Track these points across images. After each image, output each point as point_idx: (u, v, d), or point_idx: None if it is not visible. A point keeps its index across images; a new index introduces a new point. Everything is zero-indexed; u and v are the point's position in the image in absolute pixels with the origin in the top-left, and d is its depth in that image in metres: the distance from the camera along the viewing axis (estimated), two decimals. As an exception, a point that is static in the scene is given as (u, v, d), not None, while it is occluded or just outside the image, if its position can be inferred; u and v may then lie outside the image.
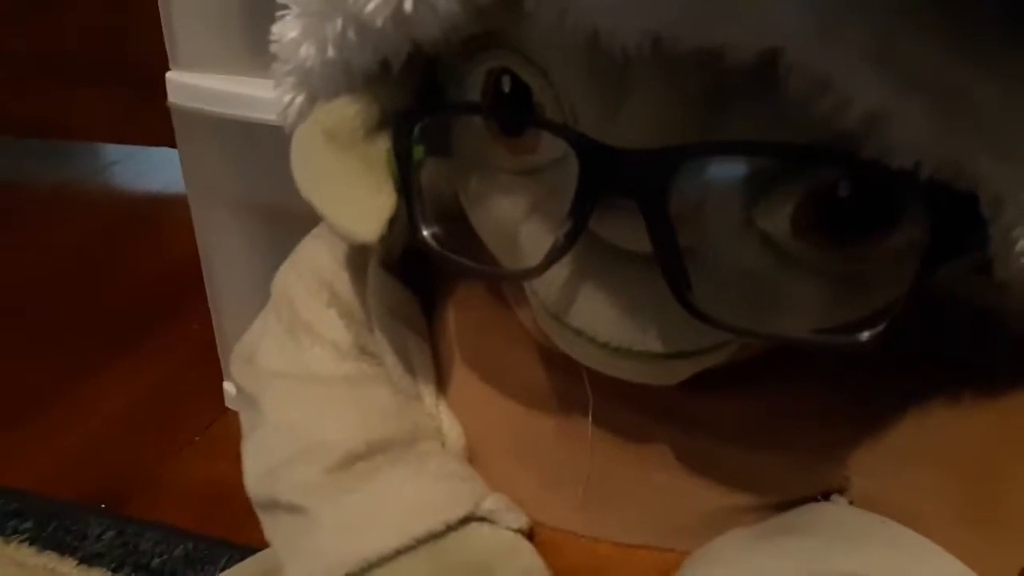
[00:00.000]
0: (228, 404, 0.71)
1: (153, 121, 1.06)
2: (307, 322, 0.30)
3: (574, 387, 0.26)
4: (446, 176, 0.26)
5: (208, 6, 0.56)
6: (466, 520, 0.26)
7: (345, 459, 0.27)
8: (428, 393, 0.30)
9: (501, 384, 0.28)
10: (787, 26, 0.15)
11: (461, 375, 0.30)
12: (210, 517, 0.58)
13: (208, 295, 0.66)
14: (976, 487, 0.24)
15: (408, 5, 0.19)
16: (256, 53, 0.57)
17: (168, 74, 0.56)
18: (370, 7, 0.20)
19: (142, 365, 0.78)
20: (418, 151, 0.23)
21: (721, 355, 0.22)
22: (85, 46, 1.10)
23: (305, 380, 0.30)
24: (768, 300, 0.20)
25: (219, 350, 0.68)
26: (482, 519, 0.27)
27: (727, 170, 0.19)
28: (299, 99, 0.25)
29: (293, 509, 0.27)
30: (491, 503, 0.27)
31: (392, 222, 0.23)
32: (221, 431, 0.68)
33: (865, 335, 0.19)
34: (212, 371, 0.71)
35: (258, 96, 0.53)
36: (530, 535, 0.27)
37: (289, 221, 0.60)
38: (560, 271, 0.21)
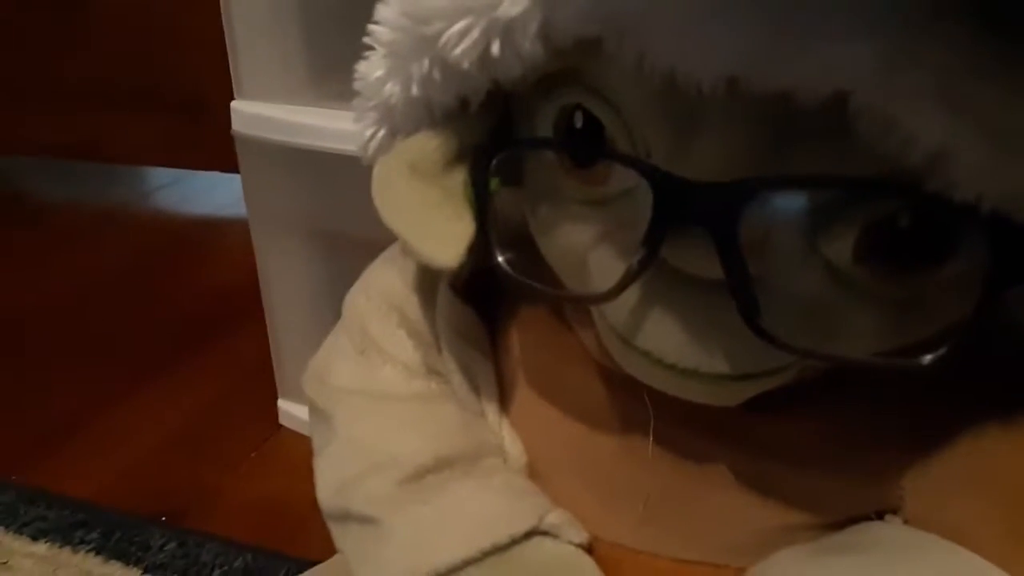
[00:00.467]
0: (282, 422, 0.72)
1: (199, 146, 1.11)
2: (378, 342, 0.32)
3: (634, 407, 0.27)
4: (516, 204, 0.27)
5: (272, 39, 0.58)
6: (530, 534, 0.27)
7: (416, 473, 0.28)
8: (491, 411, 0.31)
9: (562, 403, 0.29)
10: (854, 70, 0.16)
11: (523, 394, 0.31)
12: (265, 531, 0.60)
13: (266, 316, 0.67)
14: None
15: (495, 48, 0.20)
16: (317, 83, 0.59)
17: (232, 103, 0.59)
18: (458, 50, 0.21)
19: (193, 384, 0.80)
20: (494, 182, 0.24)
21: (783, 377, 0.23)
22: (134, 72, 1.13)
23: (377, 397, 0.31)
24: (831, 324, 0.21)
25: (275, 369, 0.70)
26: (545, 533, 0.28)
27: (794, 202, 0.20)
28: (380, 133, 0.26)
29: (365, 520, 0.29)
30: (554, 517, 0.28)
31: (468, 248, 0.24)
32: (275, 448, 0.70)
33: (927, 358, 0.19)
34: (266, 390, 0.72)
35: (318, 125, 0.55)
36: (590, 550, 0.28)
37: (345, 245, 0.63)
38: (629, 295, 0.22)
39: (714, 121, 0.19)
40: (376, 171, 0.25)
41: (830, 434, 0.26)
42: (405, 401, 0.31)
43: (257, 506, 0.63)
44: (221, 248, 1.13)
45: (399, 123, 0.26)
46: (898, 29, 0.16)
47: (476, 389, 0.31)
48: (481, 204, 0.24)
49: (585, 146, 0.23)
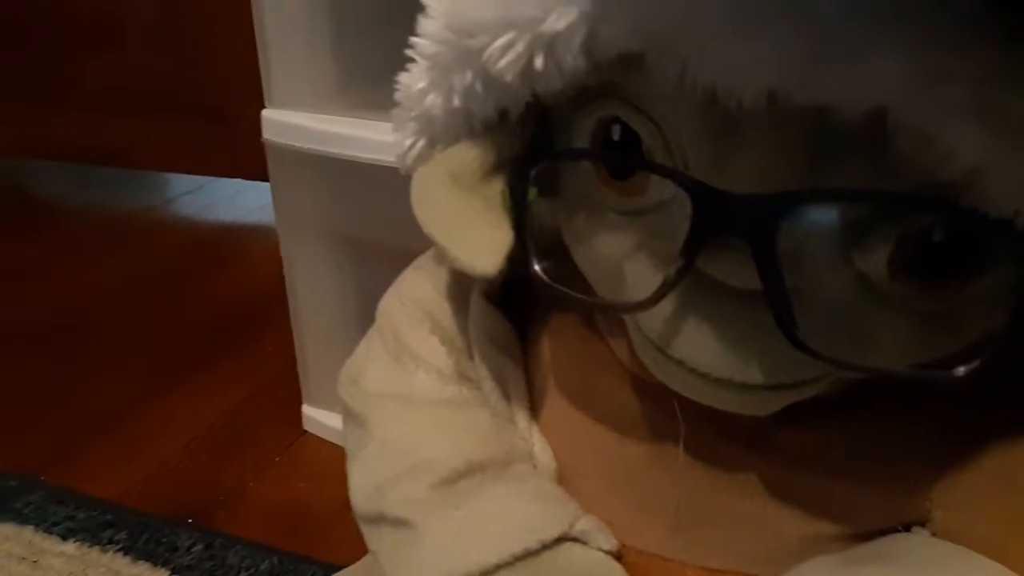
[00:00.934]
0: (307, 427, 0.73)
1: (222, 153, 1.12)
2: (411, 348, 0.32)
3: (664, 415, 0.27)
4: (551, 213, 0.28)
5: (302, 49, 0.60)
6: (560, 540, 0.27)
7: (449, 476, 0.29)
8: (522, 417, 0.31)
9: (592, 410, 0.30)
10: (893, 86, 0.17)
11: (553, 400, 0.31)
12: (290, 534, 0.60)
13: (292, 322, 0.68)
14: None
15: (539, 62, 0.21)
16: (346, 93, 0.60)
17: (263, 112, 0.60)
18: (502, 63, 0.22)
19: (219, 388, 0.80)
20: (532, 192, 0.25)
21: (816, 388, 0.23)
22: (157, 79, 1.15)
23: (410, 402, 0.31)
24: (864, 335, 0.21)
25: (300, 374, 0.71)
26: (575, 539, 0.28)
27: (830, 215, 0.20)
28: (420, 143, 0.27)
29: (399, 523, 0.29)
30: (584, 524, 0.28)
31: None
32: (300, 453, 0.71)
33: (961, 370, 0.20)
34: (291, 394, 0.73)
35: (347, 134, 0.56)
36: (619, 557, 0.28)
37: (372, 253, 0.64)
38: (665, 304, 0.22)
39: (753, 134, 0.20)
40: (415, 180, 0.26)
41: (859, 445, 0.26)
42: (438, 406, 0.31)
43: (282, 510, 0.64)
44: (245, 254, 1.15)
45: (439, 133, 0.26)
46: (935, 46, 0.17)
47: (507, 395, 0.31)
48: (520, 213, 0.25)
49: (624, 158, 0.23)
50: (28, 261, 1.11)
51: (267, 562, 0.56)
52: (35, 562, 0.56)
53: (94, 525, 0.60)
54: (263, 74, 0.59)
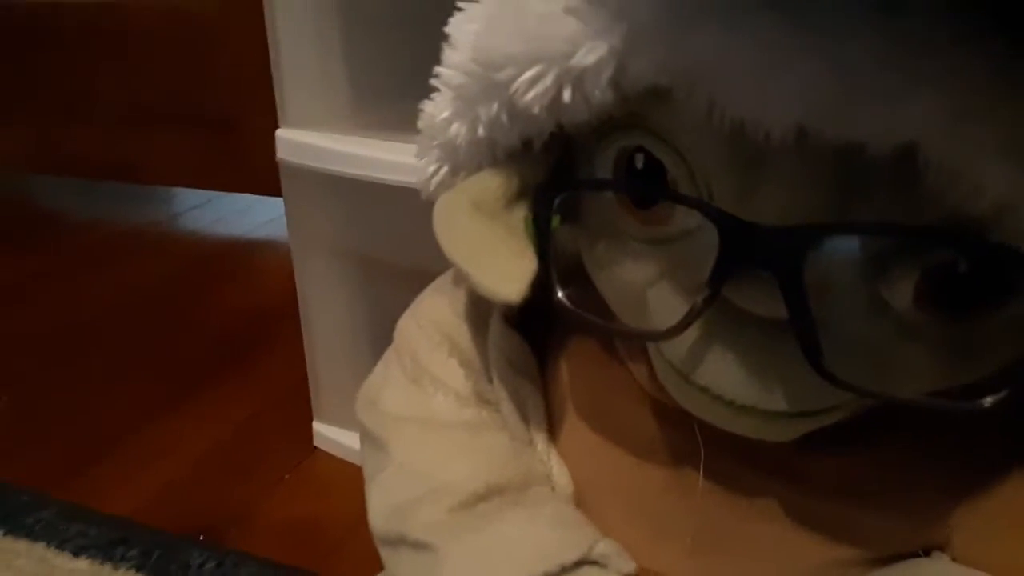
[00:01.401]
0: (317, 444, 0.73)
1: (231, 168, 1.12)
2: (430, 371, 0.32)
3: (684, 440, 0.27)
4: (572, 240, 0.28)
5: (316, 69, 0.60)
6: (580, 563, 0.27)
7: (468, 500, 0.29)
8: (540, 440, 0.31)
9: (611, 434, 0.30)
10: (924, 123, 0.17)
11: (572, 424, 0.31)
12: (299, 552, 0.60)
13: (304, 339, 0.68)
14: None
15: (567, 95, 0.21)
16: (359, 113, 0.61)
17: (277, 131, 0.60)
18: (529, 96, 0.22)
19: (229, 404, 0.80)
20: (555, 220, 0.25)
21: (839, 415, 0.23)
22: (166, 93, 1.15)
23: (429, 425, 0.32)
24: (889, 364, 0.21)
25: (311, 391, 0.71)
26: (594, 563, 0.28)
27: (857, 247, 0.20)
28: (443, 170, 0.27)
29: (419, 546, 0.29)
30: (603, 547, 0.28)
31: None
32: (310, 470, 0.70)
33: (988, 401, 0.20)
34: (301, 412, 0.73)
35: (360, 154, 0.56)
36: (637, 580, 0.28)
37: (384, 272, 0.64)
38: (689, 332, 0.22)
39: (780, 168, 0.20)
40: (438, 206, 0.26)
41: (880, 470, 0.26)
42: (456, 429, 0.31)
43: (292, 527, 0.64)
44: (254, 269, 1.15)
45: (462, 161, 0.26)
46: (963, 82, 0.17)
47: (525, 418, 0.31)
48: (543, 240, 0.25)
49: (651, 188, 0.23)
50: (36, 275, 1.11)
51: (278, 579, 0.56)
52: (48, 579, 0.56)
53: (106, 542, 0.60)
54: (277, 94, 0.60)
